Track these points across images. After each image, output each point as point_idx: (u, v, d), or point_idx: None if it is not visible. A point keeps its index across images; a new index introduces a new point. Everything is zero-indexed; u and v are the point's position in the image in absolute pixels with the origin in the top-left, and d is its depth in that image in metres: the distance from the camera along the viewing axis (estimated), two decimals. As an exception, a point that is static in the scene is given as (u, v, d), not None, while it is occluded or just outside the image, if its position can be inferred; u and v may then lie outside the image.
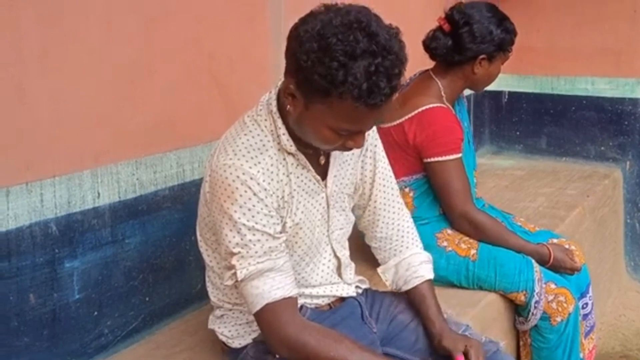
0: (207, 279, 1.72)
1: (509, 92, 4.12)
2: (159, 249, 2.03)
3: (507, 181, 3.61)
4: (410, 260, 1.73)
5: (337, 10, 1.33)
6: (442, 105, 2.21)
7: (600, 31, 3.78)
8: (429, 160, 2.18)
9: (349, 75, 1.27)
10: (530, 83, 4.05)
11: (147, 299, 2.01)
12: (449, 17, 2.21)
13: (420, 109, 2.18)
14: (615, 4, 3.71)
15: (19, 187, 1.63)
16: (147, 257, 1.99)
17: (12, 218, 1.62)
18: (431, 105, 2.18)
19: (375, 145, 1.72)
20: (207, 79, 2.12)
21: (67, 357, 1.80)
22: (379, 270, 1.78)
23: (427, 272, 1.73)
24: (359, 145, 1.44)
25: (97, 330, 1.87)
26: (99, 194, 1.82)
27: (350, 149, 1.46)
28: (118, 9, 1.82)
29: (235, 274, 1.47)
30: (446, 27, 2.20)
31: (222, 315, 1.70)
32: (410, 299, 1.73)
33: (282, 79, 1.47)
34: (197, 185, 2.09)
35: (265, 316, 1.47)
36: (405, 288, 1.72)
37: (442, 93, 2.24)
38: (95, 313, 1.86)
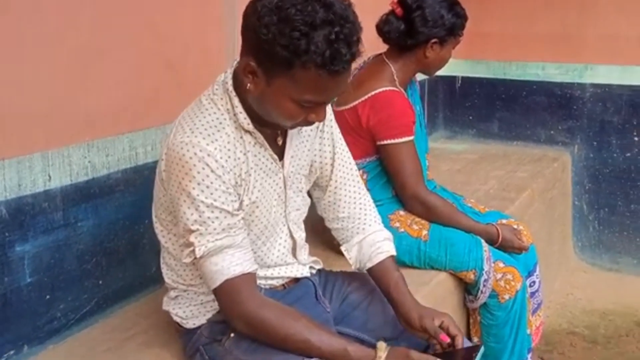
0: (161, 260, 1.73)
1: (462, 77, 4.19)
2: (112, 232, 2.02)
3: (460, 165, 3.69)
4: (373, 237, 1.75)
5: None
6: (394, 88, 2.24)
7: (551, 18, 3.87)
8: (382, 142, 2.22)
9: (311, 44, 1.30)
10: (482, 68, 4.13)
11: (100, 282, 2.00)
12: (401, 1, 2.24)
13: (373, 92, 2.21)
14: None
15: (-33, 170, 1.61)
16: (101, 241, 1.98)
17: (-38, 201, 1.61)
18: (384, 89, 2.22)
19: (332, 127, 1.74)
20: (161, 62, 2.11)
21: (19, 341, 1.79)
22: (342, 248, 1.79)
23: (390, 248, 1.75)
24: (321, 118, 1.46)
25: (50, 314, 1.86)
26: (50, 176, 1.80)
27: (312, 123, 1.48)
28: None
29: (193, 251, 1.48)
30: (399, 11, 2.23)
31: (176, 297, 1.71)
32: (375, 276, 1.74)
33: (238, 59, 1.48)
34: (150, 168, 2.10)
35: (224, 292, 1.49)
36: (369, 265, 1.73)
37: (395, 77, 2.28)
38: (48, 297, 1.84)
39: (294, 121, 1.47)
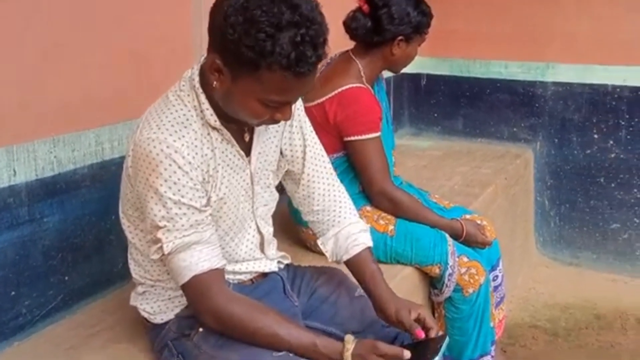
0: (129, 256, 1.72)
1: (427, 75, 4.23)
2: (78, 227, 2.01)
3: (425, 161, 3.73)
4: (349, 230, 1.76)
5: None
6: (361, 85, 2.27)
7: (514, 17, 3.94)
8: (349, 138, 2.24)
9: (277, 46, 1.30)
10: (447, 66, 4.18)
11: (66, 278, 1.99)
12: (368, -2, 2.27)
13: (340, 89, 2.23)
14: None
15: None
16: (67, 236, 1.97)
17: None
18: (351, 85, 2.24)
19: (301, 121, 1.75)
20: (128, 57, 2.10)
21: (-17, 337, 1.77)
22: (319, 242, 1.80)
23: (367, 240, 1.76)
24: (287, 117, 1.47)
25: (15, 310, 1.84)
26: (15, 171, 1.78)
27: (277, 121, 1.50)
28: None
29: (161, 247, 1.48)
30: (365, 8, 2.25)
31: (144, 292, 1.71)
32: (351, 268, 1.75)
33: (205, 55, 1.48)
34: (117, 163, 2.09)
35: (192, 288, 1.50)
36: (346, 257, 1.74)
37: (362, 73, 2.30)
38: (13, 293, 1.83)
39: (259, 120, 1.48)
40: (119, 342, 1.84)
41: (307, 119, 1.78)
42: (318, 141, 1.80)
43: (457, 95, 4.19)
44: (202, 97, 1.50)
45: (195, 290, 1.50)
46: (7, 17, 1.72)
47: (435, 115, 4.28)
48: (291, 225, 2.43)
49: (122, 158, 2.06)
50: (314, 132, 1.79)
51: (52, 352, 1.81)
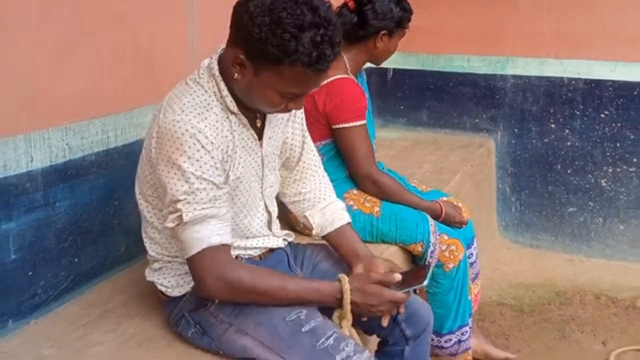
0: (143, 234, 1.83)
1: (394, 69, 4.40)
2: (86, 212, 2.10)
3: (395, 151, 3.91)
4: (333, 206, 1.96)
5: None
6: (348, 76, 2.42)
7: (475, 13, 4.12)
8: (337, 126, 2.39)
9: (300, 45, 1.46)
10: (412, 60, 4.35)
11: (76, 260, 2.08)
12: (353, -5, 2.43)
13: (328, 80, 2.37)
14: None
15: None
16: (76, 220, 2.07)
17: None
18: (339, 77, 2.39)
19: (302, 115, 1.93)
20: (131, 51, 2.21)
21: (5, 316, 1.86)
22: (307, 214, 1.96)
23: (348, 217, 1.96)
24: (300, 107, 1.64)
25: (32, 290, 1.93)
26: (32, 158, 1.87)
27: (290, 110, 1.66)
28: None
29: (180, 216, 1.58)
30: (351, 4, 2.42)
31: (160, 268, 1.82)
32: (334, 238, 1.93)
33: (223, 47, 1.62)
34: (120, 151, 2.20)
35: (202, 259, 1.59)
36: (330, 229, 1.92)
37: (347, 65, 2.46)
38: (30, 273, 1.92)
39: (275, 109, 1.64)
40: (132, 318, 1.96)
41: (303, 113, 1.94)
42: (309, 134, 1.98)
43: (422, 88, 4.37)
44: (222, 85, 1.63)
45: (205, 261, 1.59)
46: (25, 15, 1.81)
47: (402, 107, 4.46)
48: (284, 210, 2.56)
49: (125, 146, 2.21)
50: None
51: (69, 329, 1.91)
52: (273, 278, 1.65)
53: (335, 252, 1.99)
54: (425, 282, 1.71)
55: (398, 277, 1.70)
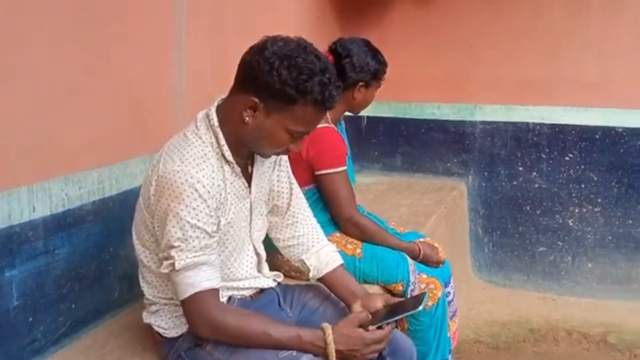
0: (141, 279, 1.93)
1: (368, 117, 4.59)
2: (83, 259, 2.19)
3: (371, 195, 4.06)
4: (328, 249, 2.09)
5: (285, 39, 1.70)
6: (328, 125, 2.57)
7: (443, 63, 4.37)
8: (319, 172, 2.53)
9: (314, 87, 1.65)
10: (385, 109, 4.56)
11: (73, 305, 2.16)
12: (332, 49, 2.60)
13: (311, 129, 2.52)
14: (453, 40, 4.33)
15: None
16: (74, 267, 2.15)
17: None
18: (320, 126, 2.52)
19: (287, 163, 2.08)
20: (125, 103, 2.34)
21: (6, 361, 1.93)
22: (303, 257, 2.07)
23: (340, 258, 2.09)
24: (299, 147, 1.80)
25: (32, 335, 2.00)
26: (34, 208, 1.97)
27: (289, 151, 1.81)
28: (62, 41, 2.03)
29: (173, 263, 1.70)
30: (330, 58, 2.57)
31: (157, 310, 1.91)
32: (330, 279, 2.05)
33: (221, 98, 1.77)
34: (114, 200, 2.30)
35: (193, 303, 1.73)
36: (326, 270, 2.04)
37: (328, 115, 2.61)
38: (31, 319, 1.99)
39: (278, 149, 1.78)
40: (133, 358, 2.03)
41: (288, 162, 2.09)
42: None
43: (395, 135, 4.57)
44: (220, 135, 1.77)
45: (195, 305, 1.73)
46: (23, 72, 1.92)
47: (376, 153, 4.64)
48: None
49: (119, 195, 2.31)
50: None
51: (70, 372, 1.99)
52: (259, 324, 1.75)
53: (326, 291, 2.10)
54: (420, 307, 1.84)
55: (388, 329, 1.84)
